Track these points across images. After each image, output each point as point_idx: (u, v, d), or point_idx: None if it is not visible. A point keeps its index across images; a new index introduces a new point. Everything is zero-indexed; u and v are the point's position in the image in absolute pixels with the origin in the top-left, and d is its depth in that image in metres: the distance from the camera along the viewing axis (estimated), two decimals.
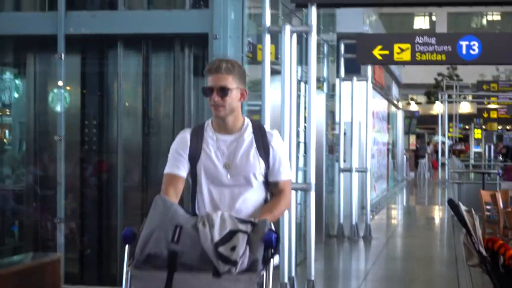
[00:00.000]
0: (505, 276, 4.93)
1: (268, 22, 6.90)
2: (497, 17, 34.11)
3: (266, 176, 3.07)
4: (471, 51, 10.44)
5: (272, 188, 3.13)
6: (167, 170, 3.10)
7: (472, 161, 26.92)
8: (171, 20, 7.04)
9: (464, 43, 10.47)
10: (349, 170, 11.40)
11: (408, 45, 10.74)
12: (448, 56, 10.97)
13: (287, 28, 6.84)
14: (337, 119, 11.73)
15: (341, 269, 9.42)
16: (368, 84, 12.03)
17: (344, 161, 11.63)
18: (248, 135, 3.04)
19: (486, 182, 16.38)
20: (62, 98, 7.10)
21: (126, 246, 2.79)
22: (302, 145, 7.92)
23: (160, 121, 7.57)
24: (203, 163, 3.01)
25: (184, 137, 3.10)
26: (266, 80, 6.90)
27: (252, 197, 3.04)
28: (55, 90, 7.29)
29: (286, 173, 3.15)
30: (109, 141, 7.60)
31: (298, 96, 7.63)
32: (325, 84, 11.15)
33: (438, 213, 16.69)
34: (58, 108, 7.20)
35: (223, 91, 2.93)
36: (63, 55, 6.87)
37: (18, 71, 7.88)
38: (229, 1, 6.62)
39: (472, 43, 10.46)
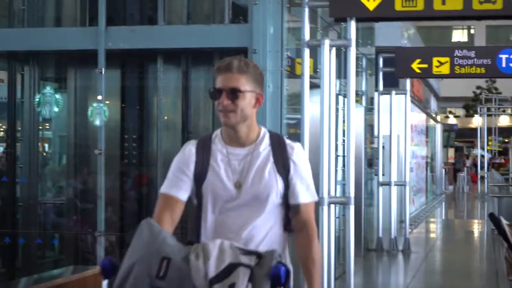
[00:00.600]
0: None
1: (307, 36, 6.94)
2: None
3: (284, 197, 2.47)
4: (511, 64, 10.53)
5: (293, 213, 2.51)
6: (163, 189, 2.50)
7: (511, 175, 27.09)
8: (210, 35, 7.18)
9: (504, 56, 10.54)
10: (388, 183, 11.42)
11: (447, 59, 10.80)
12: (488, 69, 10.99)
13: (327, 42, 6.85)
14: (375, 133, 11.71)
15: (380, 283, 9.44)
16: (407, 98, 12.05)
17: (383, 174, 11.67)
18: (265, 148, 2.47)
19: None
20: (102, 112, 7.22)
21: (105, 282, 2.22)
22: (340, 159, 7.95)
23: (199, 134, 7.60)
24: (211, 182, 2.43)
25: (189, 150, 2.51)
26: (306, 94, 6.94)
27: (266, 223, 2.44)
28: (95, 104, 7.41)
29: (310, 194, 2.53)
30: (149, 154, 7.75)
31: (337, 110, 7.65)
32: (363, 98, 11.15)
33: (478, 227, 16.60)
34: (98, 122, 7.31)
35: (234, 93, 2.37)
36: (103, 70, 7.02)
37: (59, 86, 8.04)
38: (268, 16, 6.74)
39: None
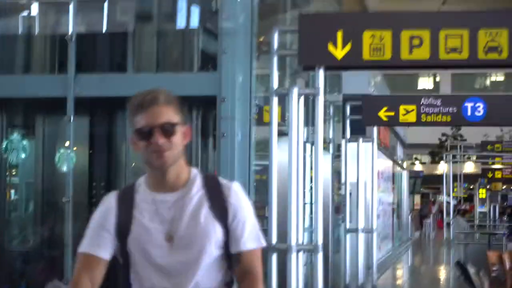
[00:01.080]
0: None
1: (275, 84, 6.98)
2: (500, 78, 35.03)
3: (225, 246, 2.18)
4: (476, 113, 10.70)
5: (236, 264, 2.22)
6: (82, 249, 2.19)
7: (477, 221, 27.09)
8: (179, 83, 7.15)
9: (469, 105, 10.67)
10: (355, 230, 11.52)
11: (414, 107, 10.95)
12: (454, 117, 11.20)
13: (295, 91, 6.87)
14: (343, 180, 11.83)
15: None
16: (374, 145, 12.23)
17: (350, 221, 11.74)
18: (197, 190, 2.17)
19: (492, 242, 16.86)
20: (69, 159, 7.20)
21: None
22: (308, 206, 8.00)
23: None
24: (137, 237, 2.14)
25: (108, 203, 2.24)
26: (274, 141, 6.96)
27: (206, 280, 2.12)
28: (62, 151, 7.44)
29: (255, 240, 2.23)
30: None
31: (305, 157, 7.73)
32: (331, 145, 11.31)
33: (444, 274, 16.71)
34: (65, 169, 7.29)
35: (168, 129, 2.10)
36: (71, 117, 6.98)
37: (26, 132, 8.02)
38: (237, 64, 6.78)
39: (477, 104, 10.69)
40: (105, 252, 2.12)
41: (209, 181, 2.21)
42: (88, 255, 2.11)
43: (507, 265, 9.32)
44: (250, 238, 2.17)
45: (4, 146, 7.90)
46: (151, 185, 2.17)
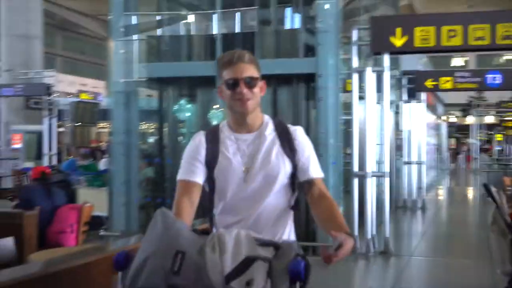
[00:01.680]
0: None
1: (355, 64, 7.40)
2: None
3: (292, 177, 2.10)
4: (495, 81, 11.12)
5: (307, 189, 2.11)
6: (180, 176, 2.09)
7: (496, 156, 27.32)
8: (290, 65, 7.63)
9: (489, 76, 11.14)
10: (410, 162, 11.95)
11: (450, 78, 11.35)
12: (479, 84, 11.66)
13: (369, 69, 7.33)
14: (401, 128, 12.19)
15: (405, 230, 9.71)
16: (423, 105, 12.68)
17: (407, 157, 12.03)
18: (270, 132, 2.11)
19: (507, 171, 17.25)
20: (219, 115, 7.58)
21: (119, 274, 1.77)
22: (378, 146, 8.06)
23: None
24: (222, 167, 2.07)
25: (199, 140, 2.14)
26: (355, 104, 7.37)
27: (275, 202, 2.07)
28: (213, 111, 7.87)
29: (319, 170, 2.14)
30: None
31: (376, 114, 7.81)
32: (393, 105, 11.38)
33: (472, 193, 16.65)
34: (215, 122, 7.30)
35: (251, 82, 2.02)
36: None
37: (189, 100, 8.47)
38: (328, 52, 7.12)
39: (495, 76, 11.17)
40: (199, 177, 2.06)
41: (279, 125, 2.12)
42: (186, 181, 2.05)
43: None
44: (315, 169, 2.09)
45: (175, 108, 8.42)
46: (233, 126, 2.09)
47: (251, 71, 2.00)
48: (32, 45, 13.74)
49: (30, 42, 13.65)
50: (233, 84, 1.97)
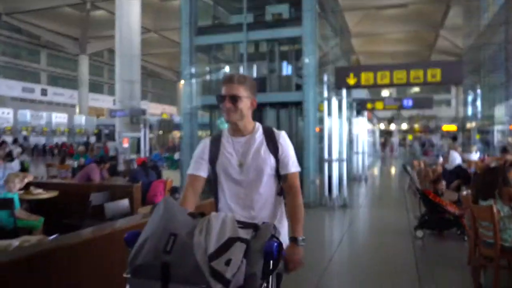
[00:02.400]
0: (427, 201, 5.44)
1: (325, 95, 7.94)
2: (417, 89, 36.30)
3: (276, 170, 1.91)
4: (408, 104, 12.41)
5: (283, 182, 1.91)
6: (189, 171, 1.94)
7: (408, 148, 29.65)
8: (288, 96, 8.38)
9: (405, 101, 12.40)
10: (358, 153, 12.55)
11: (381, 102, 12.56)
12: (398, 106, 13.00)
13: (333, 98, 7.86)
14: (352, 132, 12.55)
15: (355, 192, 9.88)
16: (365, 119, 13.48)
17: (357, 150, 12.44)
18: (259, 135, 1.93)
19: (415, 157, 17.97)
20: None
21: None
22: (339, 143, 8.27)
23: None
24: (221, 162, 1.90)
25: (205, 143, 1.98)
26: (325, 118, 7.92)
27: (265, 190, 1.90)
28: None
29: (294, 167, 1.93)
30: None
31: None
32: (348, 119, 11.52)
33: (394, 170, 16.61)
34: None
35: (234, 99, 1.84)
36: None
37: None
38: (310, 88, 7.79)
39: (408, 100, 12.36)
40: (203, 172, 1.90)
41: (266, 130, 1.93)
42: (192, 175, 1.90)
43: (422, 165, 10.26)
44: (292, 165, 1.89)
45: (218, 122, 9.04)
46: (230, 132, 1.92)
47: (237, 90, 1.80)
48: (134, 86, 15.59)
49: (133, 84, 15.47)
50: (221, 100, 1.82)
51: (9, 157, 7.83)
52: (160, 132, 25.23)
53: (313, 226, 6.09)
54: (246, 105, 1.84)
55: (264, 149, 1.85)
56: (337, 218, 6.98)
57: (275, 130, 1.91)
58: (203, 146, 1.93)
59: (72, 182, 6.20)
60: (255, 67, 9.02)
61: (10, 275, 1.86)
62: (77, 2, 25.86)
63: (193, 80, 8.74)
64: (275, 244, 1.41)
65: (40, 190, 5.30)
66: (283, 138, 1.89)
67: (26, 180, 4.59)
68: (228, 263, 1.32)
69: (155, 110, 35.81)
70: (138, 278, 1.36)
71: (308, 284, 3.64)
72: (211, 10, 9.34)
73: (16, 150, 11.47)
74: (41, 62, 35.75)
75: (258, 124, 1.90)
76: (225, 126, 1.94)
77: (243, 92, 1.82)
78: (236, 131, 1.88)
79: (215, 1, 9.33)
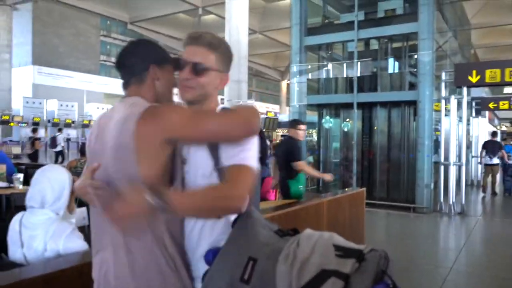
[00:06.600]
0: None
1: (443, 94, 7.64)
2: None
3: (216, 161, 1.18)
4: None
5: (221, 176, 1.16)
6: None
7: None
8: (400, 95, 8.12)
9: None
10: (476, 156, 11.54)
11: (507, 101, 11.50)
12: None
13: (453, 97, 7.49)
14: (471, 134, 12.14)
15: (473, 199, 9.39)
16: (485, 119, 13.09)
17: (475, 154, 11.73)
18: None
19: None
20: (348, 125, 8.11)
21: None
22: (457, 146, 8.10)
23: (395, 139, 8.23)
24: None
25: None
26: (443, 119, 7.60)
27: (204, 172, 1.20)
28: (345, 123, 8.52)
29: (239, 158, 1.15)
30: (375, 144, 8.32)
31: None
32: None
33: None
34: (345, 129, 8.44)
35: (197, 69, 1.20)
36: (355, 110, 7.97)
37: (334, 116, 9.02)
38: (425, 86, 7.49)
39: None
40: None
41: None
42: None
43: None
44: (236, 156, 1.14)
45: (323, 121, 9.11)
46: None
47: (205, 57, 1.21)
48: (241, 86, 16.73)
49: (240, 84, 16.63)
50: (177, 66, 1.23)
51: None
52: (264, 130, 25.84)
53: (429, 233, 5.97)
54: (213, 81, 1.23)
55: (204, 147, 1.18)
56: (455, 225, 6.70)
57: None
58: None
59: None
60: (365, 66, 8.94)
61: None
62: (190, 8, 27.78)
63: (303, 79, 8.95)
64: (385, 286, 0.91)
65: None
66: None
67: None
68: None
69: (260, 109, 37.50)
70: None
71: None
72: (321, 10, 9.48)
73: None
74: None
75: (221, 107, 1.26)
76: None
77: (212, 61, 1.22)
78: None
79: (325, 1, 9.48)
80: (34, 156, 12.35)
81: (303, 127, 4.34)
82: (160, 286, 1.07)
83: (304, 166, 4.14)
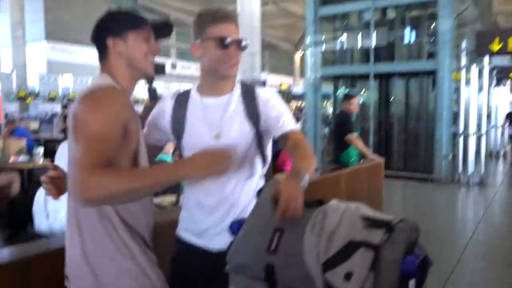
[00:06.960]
0: None
1: (463, 62, 7.41)
2: None
3: (258, 139, 1.33)
4: None
5: (284, 143, 1.30)
6: None
7: None
8: (419, 65, 7.91)
9: None
10: (496, 126, 11.54)
11: None
12: None
13: (474, 66, 7.34)
14: (490, 104, 11.64)
15: (492, 170, 9.26)
16: (507, 88, 12.54)
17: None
18: (238, 96, 1.34)
19: None
20: (368, 96, 7.99)
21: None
22: (477, 115, 7.75)
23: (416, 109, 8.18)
24: (189, 136, 1.34)
25: (164, 105, 1.38)
26: (462, 88, 7.44)
27: (248, 161, 1.34)
28: (364, 94, 8.32)
29: (291, 124, 1.32)
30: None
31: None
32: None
33: None
34: (362, 101, 8.17)
35: (242, 46, 1.30)
36: (372, 81, 7.85)
37: (351, 88, 8.77)
38: (445, 55, 7.33)
39: None
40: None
41: (245, 89, 1.36)
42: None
43: None
44: (287, 123, 1.32)
45: (339, 92, 8.89)
46: (205, 90, 1.35)
47: (239, 34, 1.30)
48: (254, 58, 16.74)
49: (253, 57, 16.62)
50: (224, 45, 1.26)
51: None
52: None
53: (448, 203, 5.94)
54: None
55: (242, 116, 1.32)
56: (474, 196, 6.63)
57: (257, 89, 1.36)
58: (162, 109, 1.37)
59: None
60: (382, 35, 8.69)
61: None
62: None
63: (318, 51, 8.77)
64: (417, 259, 0.86)
65: None
66: (267, 96, 1.35)
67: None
68: (348, 277, 0.88)
69: (273, 81, 37.38)
70: (241, 275, 1.05)
71: (450, 259, 3.62)
72: None
73: None
74: (171, 38, 39.55)
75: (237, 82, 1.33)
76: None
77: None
78: (214, 90, 1.33)
79: None
80: (65, 132, 12.62)
81: (355, 100, 4.35)
82: (114, 272, 1.08)
83: (355, 139, 4.07)
